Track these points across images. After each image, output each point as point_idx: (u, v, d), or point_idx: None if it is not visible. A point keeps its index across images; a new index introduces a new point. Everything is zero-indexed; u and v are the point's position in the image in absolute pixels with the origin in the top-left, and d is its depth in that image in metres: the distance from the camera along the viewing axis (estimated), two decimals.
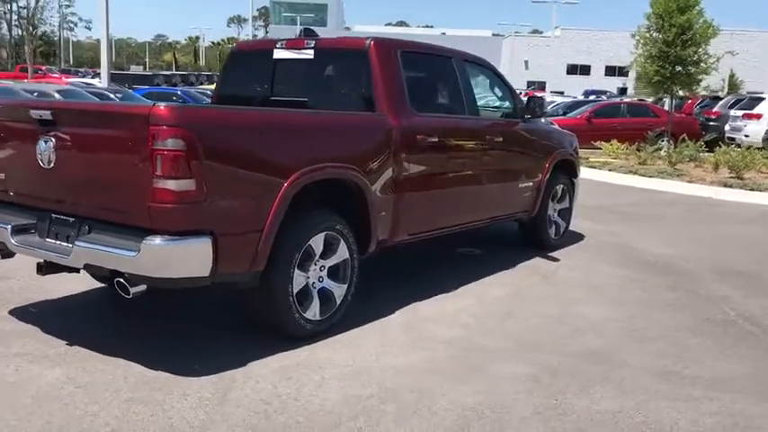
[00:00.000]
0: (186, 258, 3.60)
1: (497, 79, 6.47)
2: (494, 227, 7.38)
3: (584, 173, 13.62)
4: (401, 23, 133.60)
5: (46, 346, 4.06)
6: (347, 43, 5.18)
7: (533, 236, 7.02)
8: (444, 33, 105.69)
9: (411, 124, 4.96)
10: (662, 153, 15.02)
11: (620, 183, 12.70)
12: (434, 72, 5.72)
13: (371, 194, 4.60)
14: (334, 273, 4.50)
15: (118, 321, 4.60)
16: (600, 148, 16.01)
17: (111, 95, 17.06)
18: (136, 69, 63.32)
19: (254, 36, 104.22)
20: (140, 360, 3.87)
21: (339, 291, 4.50)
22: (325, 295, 4.43)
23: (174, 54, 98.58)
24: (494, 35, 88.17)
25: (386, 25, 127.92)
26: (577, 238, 7.68)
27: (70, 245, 3.80)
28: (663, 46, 14.82)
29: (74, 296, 4.99)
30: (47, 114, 3.86)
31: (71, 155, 3.87)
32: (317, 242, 4.29)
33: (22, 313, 4.60)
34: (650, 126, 17.26)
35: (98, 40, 34.84)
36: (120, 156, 3.66)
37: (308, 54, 5.22)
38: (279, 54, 5.36)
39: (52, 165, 3.89)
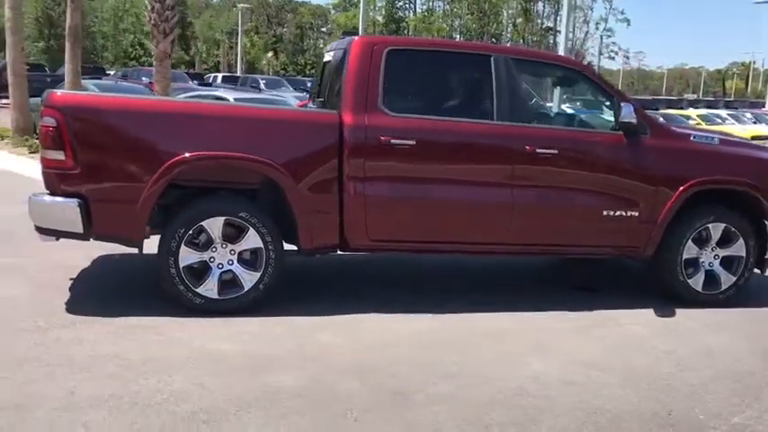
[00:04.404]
0: (57, 215, 4.44)
1: (592, 85, 5.32)
2: None
3: None
4: None
5: None
6: (346, 44, 5.15)
7: (657, 282, 5.48)
8: None
9: (373, 124, 4.72)
10: None
11: None
12: (447, 72, 5.16)
13: (295, 190, 4.61)
14: (248, 259, 4.68)
15: (108, 280, 5.45)
16: None
17: None
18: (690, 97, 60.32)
19: None
20: (39, 303, 4.65)
21: (249, 277, 4.65)
22: (231, 278, 4.66)
23: (723, 80, 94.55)
24: None
25: None
26: None
27: None
28: None
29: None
30: None
31: None
32: (214, 225, 4.55)
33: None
34: None
35: None
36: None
37: (330, 56, 5.39)
38: (325, 57, 5.64)
39: None
